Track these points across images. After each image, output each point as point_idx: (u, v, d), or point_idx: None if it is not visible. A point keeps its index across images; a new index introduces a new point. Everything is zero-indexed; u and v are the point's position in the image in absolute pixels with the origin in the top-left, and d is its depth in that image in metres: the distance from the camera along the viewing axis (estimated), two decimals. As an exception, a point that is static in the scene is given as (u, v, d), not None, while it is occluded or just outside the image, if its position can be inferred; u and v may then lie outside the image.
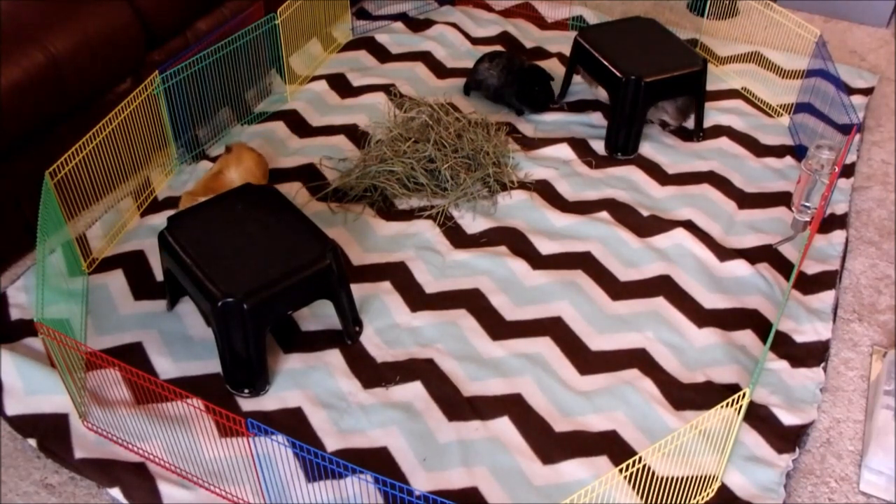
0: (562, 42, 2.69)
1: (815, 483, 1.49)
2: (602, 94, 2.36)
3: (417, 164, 2.07)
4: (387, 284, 1.84)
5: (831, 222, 2.02)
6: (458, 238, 1.97)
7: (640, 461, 1.31)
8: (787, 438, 1.53)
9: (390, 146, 2.13)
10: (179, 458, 1.49)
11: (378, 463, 1.48)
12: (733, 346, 1.71)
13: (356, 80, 2.51)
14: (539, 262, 1.90)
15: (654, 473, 1.46)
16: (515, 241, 1.95)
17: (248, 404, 1.59)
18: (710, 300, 1.81)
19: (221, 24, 2.28)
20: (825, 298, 1.83)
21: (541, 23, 2.83)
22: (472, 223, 2.01)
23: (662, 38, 2.30)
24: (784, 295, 1.79)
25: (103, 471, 1.48)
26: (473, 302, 1.80)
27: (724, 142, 2.28)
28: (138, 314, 1.77)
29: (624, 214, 2.03)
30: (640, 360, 1.68)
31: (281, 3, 2.32)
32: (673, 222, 1.99)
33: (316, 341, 1.71)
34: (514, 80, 2.33)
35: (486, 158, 2.11)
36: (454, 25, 2.77)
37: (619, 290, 1.84)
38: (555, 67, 2.55)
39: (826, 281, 1.86)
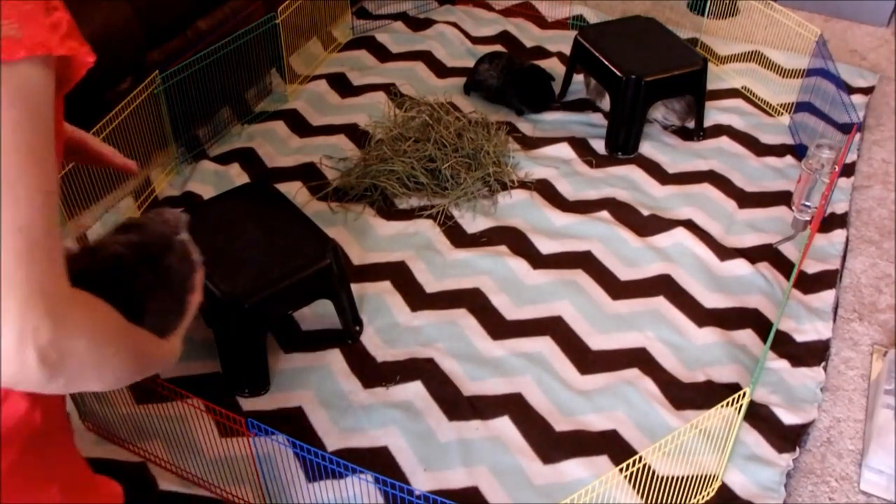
0: (562, 41, 2.69)
1: (815, 482, 1.49)
2: (605, 103, 2.35)
3: (418, 163, 2.07)
4: (387, 284, 1.84)
5: (831, 221, 2.02)
6: (459, 237, 1.97)
7: (640, 460, 1.31)
8: (787, 438, 1.53)
9: (391, 145, 2.13)
10: (179, 458, 1.49)
11: (378, 463, 1.48)
12: (733, 346, 1.71)
13: (356, 80, 2.51)
14: (539, 261, 1.90)
15: (654, 473, 1.46)
16: (516, 241, 1.95)
17: (248, 404, 1.59)
18: (711, 299, 1.81)
19: (221, 24, 2.28)
20: (825, 298, 1.82)
21: (541, 22, 2.83)
22: (473, 223, 2.01)
23: (663, 37, 2.29)
24: (784, 294, 1.79)
25: (103, 471, 1.47)
26: (474, 301, 1.80)
27: (724, 141, 2.28)
28: (138, 314, 1.76)
29: (624, 214, 2.03)
30: (640, 359, 1.68)
31: (281, 3, 2.31)
32: (673, 221, 1.99)
33: (316, 341, 1.71)
34: (513, 80, 2.33)
35: (486, 158, 2.11)
36: (454, 25, 2.77)
37: (619, 289, 1.84)
38: (555, 67, 2.55)
39: (826, 280, 1.86)
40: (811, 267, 1.90)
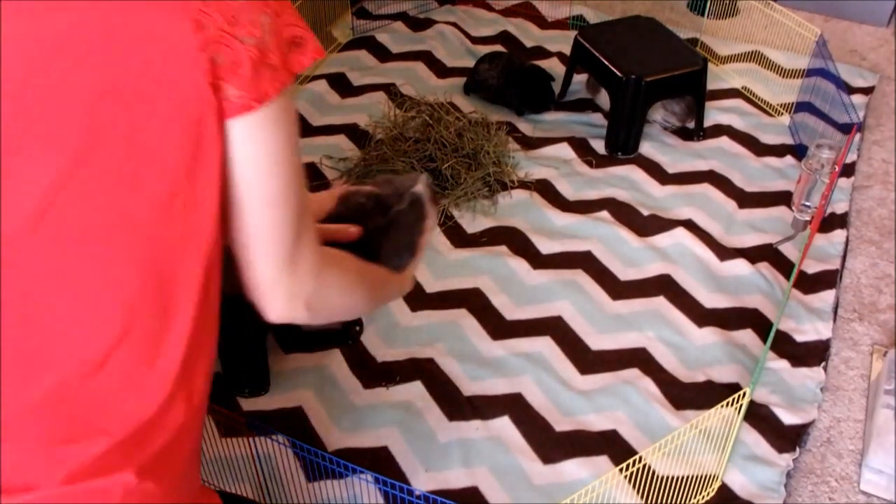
0: (562, 41, 2.69)
1: (815, 482, 1.49)
2: (603, 99, 2.35)
3: (418, 163, 2.07)
4: (387, 284, 1.84)
5: (832, 221, 2.02)
6: (459, 237, 1.97)
7: (640, 461, 1.31)
8: (787, 438, 1.53)
9: (391, 146, 2.13)
10: (180, 458, 1.49)
11: (378, 463, 1.48)
12: (734, 346, 1.71)
13: (356, 80, 2.51)
14: (539, 261, 1.90)
15: (654, 473, 1.46)
16: (516, 241, 1.95)
17: (248, 404, 1.59)
18: (711, 299, 1.81)
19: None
20: (825, 298, 1.82)
21: (541, 22, 2.83)
22: (473, 222, 2.01)
23: (663, 37, 2.29)
24: (784, 294, 1.79)
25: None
26: (474, 301, 1.80)
27: (724, 141, 2.28)
28: (138, 314, 1.76)
29: (624, 214, 2.03)
30: (640, 359, 1.68)
31: (281, 3, 2.31)
32: (673, 221, 1.99)
33: (316, 341, 1.71)
34: (513, 80, 2.33)
35: (486, 158, 2.11)
36: (454, 25, 2.77)
37: (619, 289, 1.84)
38: (555, 67, 2.55)
39: (826, 280, 1.86)
40: (811, 267, 1.90)
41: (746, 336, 1.74)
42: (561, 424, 1.56)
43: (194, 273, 0.77)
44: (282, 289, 0.84)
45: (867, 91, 2.47)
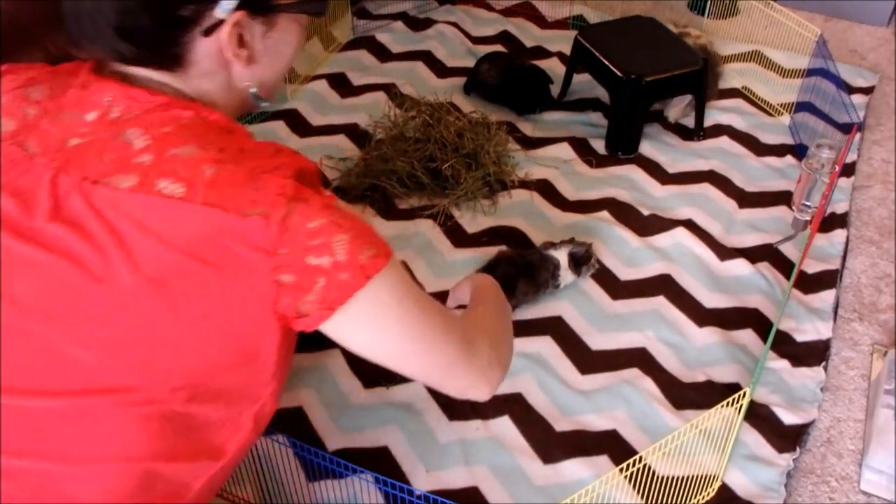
0: (562, 41, 2.69)
1: (815, 482, 1.49)
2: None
3: (418, 163, 2.07)
4: (387, 284, 1.84)
5: (832, 221, 2.02)
6: (459, 237, 1.96)
7: (640, 461, 1.30)
8: (787, 437, 1.53)
9: (391, 145, 2.12)
10: (180, 458, 1.49)
11: (378, 463, 1.48)
12: (734, 346, 1.71)
13: (357, 80, 2.51)
14: (539, 261, 1.90)
15: (654, 473, 1.46)
16: (516, 241, 1.95)
17: (248, 404, 1.59)
18: (711, 299, 1.81)
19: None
20: (826, 297, 1.82)
21: (541, 22, 2.83)
22: (473, 222, 2.01)
23: (663, 37, 2.29)
24: (784, 294, 1.79)
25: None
26: (474, 301, 1.80)
27: (724, 141, 2.28)
28: (139, 314, 1.76)
29: (624, 213, 2.03)
30: (640, 359, 1.68)
31: (281, 3, 2.31)
32: (673, 221, 1.99)
33: (316, 341, 1.70)
34: (513, 80, 2.33)
35: (486, 157, 2.11)
36: (454, 24, 2.77)
37: (619, 289, 1.84)
38: (555, 67, 2.55)
39: (827, 280, 1.86)
40: (811, 267, 1.90)
41: (746, 336, 1.74)
42: (561, 424, 1.56)
43: None
44: (477, 390, 1.04)
45: (867, 91, 2.47)
